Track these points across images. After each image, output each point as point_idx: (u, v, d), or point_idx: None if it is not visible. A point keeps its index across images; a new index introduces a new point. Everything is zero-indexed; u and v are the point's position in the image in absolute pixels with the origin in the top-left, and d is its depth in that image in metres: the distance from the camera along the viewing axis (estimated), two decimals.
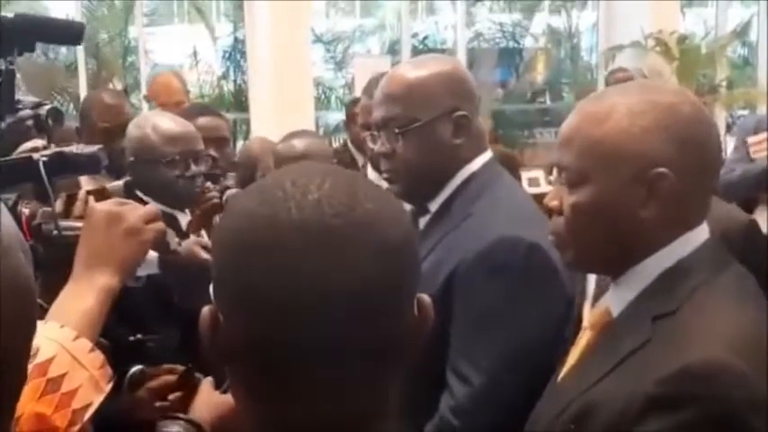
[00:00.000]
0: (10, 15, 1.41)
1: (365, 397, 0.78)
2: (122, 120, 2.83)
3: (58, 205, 1.47)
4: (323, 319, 0.72)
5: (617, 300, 1.24)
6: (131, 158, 2.32)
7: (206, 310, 0.79)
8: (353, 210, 0.74)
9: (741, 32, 9.01)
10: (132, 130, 2.36)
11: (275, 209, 0.74)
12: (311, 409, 0.76)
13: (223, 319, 0.77)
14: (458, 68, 1.74)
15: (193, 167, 2.27)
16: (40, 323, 1.02)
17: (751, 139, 3.83)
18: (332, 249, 0.72)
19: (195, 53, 8.93)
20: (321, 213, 0.73)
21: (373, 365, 0.76)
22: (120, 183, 1.60)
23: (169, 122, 2.32)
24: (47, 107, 1.47)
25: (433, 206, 1.70)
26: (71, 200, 1.50)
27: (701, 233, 1.22)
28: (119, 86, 7.74)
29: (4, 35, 1.39)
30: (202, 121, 2.71)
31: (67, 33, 1.56)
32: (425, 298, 0.82)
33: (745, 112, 8.28)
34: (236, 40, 8.91)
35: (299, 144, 2.91)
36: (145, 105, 7.12)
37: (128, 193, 1.59)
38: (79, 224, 1.47)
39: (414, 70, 1.69)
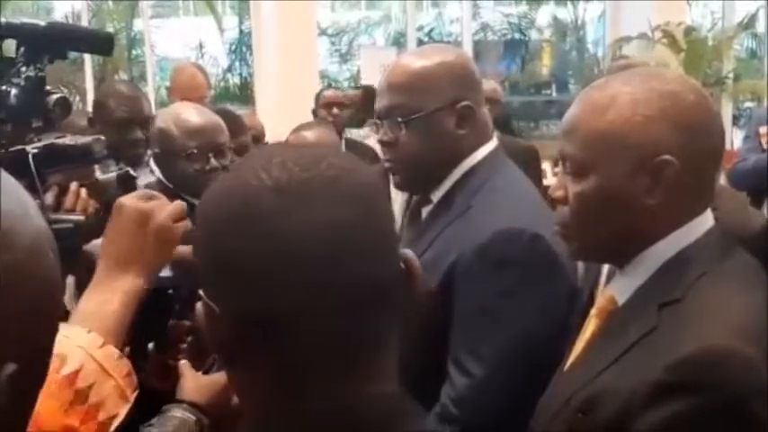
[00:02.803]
0: (42, 23, 1.43)
1: (357, 359, 0.77)
2: (140, 110, 2.84)
3: (49, 198, 1.47)
4: (306, 275, 0.73)
5: (622, 288, 1.24)
6: (156, 150, 2.33)
7: (198, 305, 0.80)
8: (319, 164, 0.77)
9: (748, 24, 8.98)
10: (158, 122, 2.37)
11: (244, 179, 0.77)
12: (315, 378, 0.76)
13: (217, 308, 0.77)
14: (462, 58, 1.73)
15: (213, 161, 2.25)
16: (64, 325, 1.01)
17: (762, 130, 3.84)
18: (305, 202, 0.74)
19: (201, 46, 8.94)
20: (288, 170, 0.76)
21: (363, 319, 0.76)
22: (112, 174, 1.58)
23: (192, 115, 2.31)
24: (55, 96, 1.48)
25: (436, 196, 1.70)
26: (62, 192, 1.50)
27: (706, 220, 1.22)
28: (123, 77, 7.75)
29: (36, 42, 1.40)
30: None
31: (99, 42, 1.57)
32: (410, 253, 0.83)
33: (752, 104, 8.26)
34: (241, 33, 8.92)
35: (309, 135, 2.91)
36: (152, 96, 7.14)
37: (121, 184, 1.58)
38: (69, 217, 1.47)
39: (418, 60, 1.68)
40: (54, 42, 1.44)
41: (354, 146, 4.15)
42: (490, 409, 1.51)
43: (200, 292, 0.80)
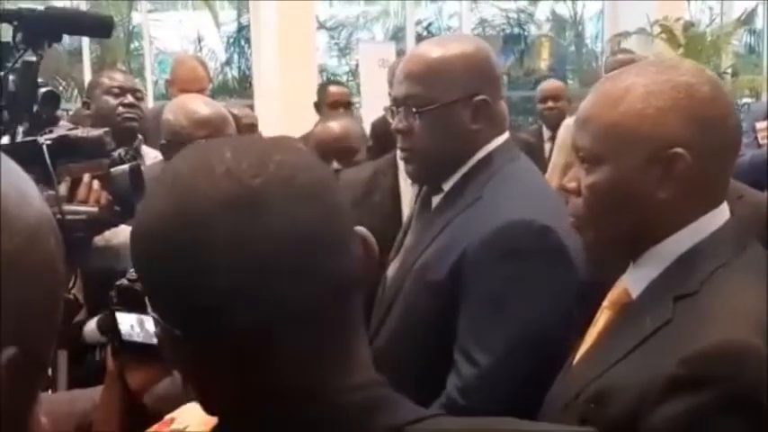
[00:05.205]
0: (40, 7, 1.42)
1: (335, 354, 0.76)
2: (130, 81, 3.12)
3: (63, 189, 1.47)
4: (276, 285, 0.71)
5: (636, 280, 1.23)
6: (163, 141, 2.37)
7: (157, 330, 0.77)
8: (267, 165, 0.73)
9: (746, 20, 9.00)
10: (165, 112, 2.41)
11: (192, 198, 0.72)
12: (293, 379, 0.75)
13: (179, 332, 0.74)
14: (482, 51, 1.70)
15: None
16: None
17: (759, 125, 3.84)
18: (261, 212, 0.71)
19: (199, 39, 8.92)
20: (237, 180, 0.71)
21: (336, 315, 0.75)
22: (125, 167, 1.59)
23: (199, 106, 2.36)
24: (43, 90, 1.48)
25: (447, 186, 1.69)
26: (75, 184, 1.50)
27: (721, 214, 1.21)
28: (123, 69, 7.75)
29: (35, 27, 1.40)
30: None
31: (97, 26, 1.57)
32: (363, 231, 0.81)
33: (750, 100, 8.28)
34: (240, 26, 8.90)
35: (335, 126, 2.87)
36: (150, 89, 7.12)
37: (132, 177, 1.59)
38: (82, 208, 1.46)
39: (437, 50, 1.66)
40: (53, 26, 1.44)
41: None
42: (496, 399, 1.50)
43: (155, 315, 0.76)
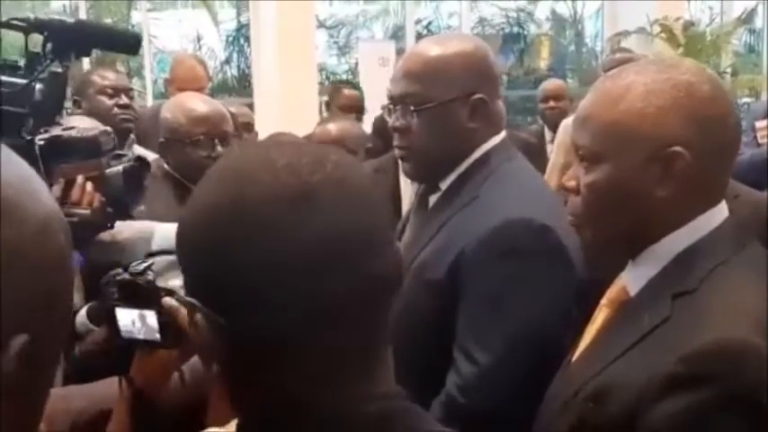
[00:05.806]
0: (71, 20, 1.44)
1: (364, 360, 0.77)
2: (122, 80, 3.12)
3: (56, 191, 1.47)
4: (327, 282, 0.72)
5: (635, 278, 1.23)
6: (162, 139, 2.37)
7: (198, 316, 0.76)
8: (324, 165, 0.75)
9: (746, 19, 9.00)
10: (163, 111, 2.42)
11: (253, 187, 0.73)
12: (323, 383, 0.75)
13: (223, 320, 0.74)
14: (480, 50, 1.70)
15: (219, 148, 2.29)
16: None
17: (758, 124, 3.85)
18: (319, 208, 0.72)
19: (198, 38, 8.92)
20: (296, 175, 0.73)
21: (373, 320, 0.76)
22: (119, 168, 1.58)
23: (197, 104, 2.37)
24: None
25: (444, 185, 1.69)
26: (69, 185, 1.50)
27: (720, 212, 1.21)
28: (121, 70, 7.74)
29: (64, 38, 1.41)
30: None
31: (126, 42, 1.58)
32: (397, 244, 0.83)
33: (750, 100, 8.29)
34: (239, 24, 8.90)
35: (334, 128, 2.90)
36: (149, 88, 7.12)
37: (126, 178, 1.58)
38: (75, 210, 1.46)
39: (435, 49, 1.67)
40: (82, 40, 1.45)
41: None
42: (496, 397, 1.52)
43: (196, 302, 0.76)
